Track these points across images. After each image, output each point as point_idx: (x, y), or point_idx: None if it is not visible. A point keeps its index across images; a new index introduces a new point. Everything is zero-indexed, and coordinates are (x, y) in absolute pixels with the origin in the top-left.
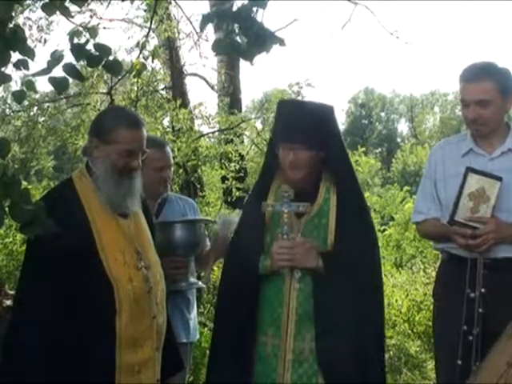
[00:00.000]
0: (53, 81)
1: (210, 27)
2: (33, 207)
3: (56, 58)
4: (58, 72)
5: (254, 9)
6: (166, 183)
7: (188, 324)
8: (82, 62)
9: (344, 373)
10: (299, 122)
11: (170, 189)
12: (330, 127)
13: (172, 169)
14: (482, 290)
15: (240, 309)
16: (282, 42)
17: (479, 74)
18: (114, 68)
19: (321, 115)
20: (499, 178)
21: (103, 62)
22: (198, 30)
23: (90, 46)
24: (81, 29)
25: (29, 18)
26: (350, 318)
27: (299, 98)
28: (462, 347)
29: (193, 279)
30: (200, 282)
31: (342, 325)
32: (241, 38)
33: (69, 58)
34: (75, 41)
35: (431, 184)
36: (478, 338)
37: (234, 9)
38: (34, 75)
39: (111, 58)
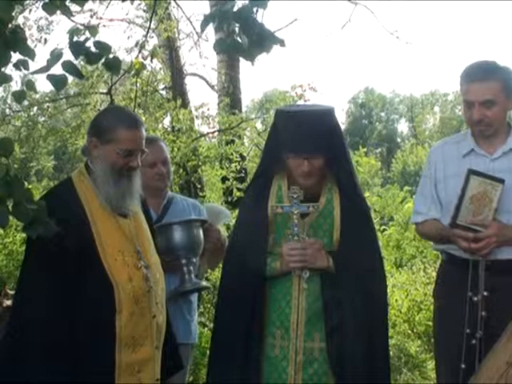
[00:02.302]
0: (51, 78)
1: (210, 27)
2: (36, 207)
3: (55, 56)
4: (58, 70)
5: (255, 9)
6: (164, 178)
7: (189, 325)
8: (82, 62)
9: (354, 372)
10: (308, 131)
11: (170, 189)
12: (333, 130)
13: (169, 163)
14: (485, 293)
15: (245, 311)
16: (282, 43)
17: (483, 73)
18: (114, 66)
19: (325, 120)
20: (501, 181)
21: (103, 60)
22: (199, 30)
23: (90, 44)
24: (81, 27)
25: (28, 19)
26: (359, 317)
27: (301, 100)
28: (465, 351)
29: (197, 280)
30: (204, 282)
31: (351, 324)
32: (242, 38)
33: (68, 56)
34: (75, 39)
35: (431, 184)
36: (481, 341)
37: (235, 9)
38: (32, 73)
39: (111, 56)
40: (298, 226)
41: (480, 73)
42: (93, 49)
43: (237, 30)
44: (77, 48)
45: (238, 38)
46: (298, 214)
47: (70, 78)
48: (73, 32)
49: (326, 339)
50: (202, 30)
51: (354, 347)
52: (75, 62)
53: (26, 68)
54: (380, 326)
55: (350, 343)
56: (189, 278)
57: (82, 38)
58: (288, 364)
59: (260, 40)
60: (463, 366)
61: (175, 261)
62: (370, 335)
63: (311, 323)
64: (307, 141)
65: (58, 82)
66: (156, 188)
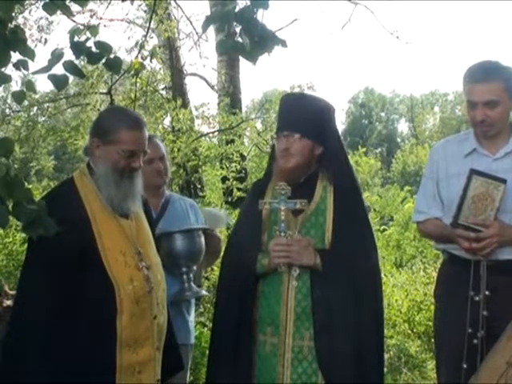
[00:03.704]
0: (52, 78)
1: (209, 27)
2: (36, 207)
3: (56, 56)
4: (59, 70)
5: (256, 10)
6: (161, 174)
7: (188, 325)
8: (82, 62)
9: (343, 371)
10: (297, 111)
11: (170, 188)
12: (328, 124)
13: (166, 160)
14: (486, 293)
15: (237, 308)
16: (283, 43)
17: (486, 74)
18: (115, 66)
19: (321, 110)
20: (504, 181)
21: (104, 60)
22: (199, 30)
23: (90, 44)
24: (81, 27)
25: (27, 19)
26: (348, 316)
27: None
28: (466, 350)
29: (197, 288)
30: (204, 291)
31: (340, 323)
32: (243, 39)
33: (69, 56)
34: (75, 39)
35: (433, 183)
36: (482, 341)
37: (237, 10)
38: (34, 73)
39: (111, 55)
40: (286, 222)
41: (483, 73)
42: (93, 49)
43: (238, 30)
44: (78, 48)
45: (240, 39)
46: (285, 210)
47: (71, 78)
48: (73, 32)
49: (314, 338)
50: (204, 31)
51: (342, 347)
52: (76, 62)
53: (26, 68)
54: (371, 327)
55: (338, 343)
56: (188, 287)
57: (82, 38)
58: (278, 362)
59: (262, 41)
60: (465, 365)
61: (176, 269)
62: (361, 335)
63: (300, 321)
64: (291, 119)
65: (59, 81)
66: (154, 185)
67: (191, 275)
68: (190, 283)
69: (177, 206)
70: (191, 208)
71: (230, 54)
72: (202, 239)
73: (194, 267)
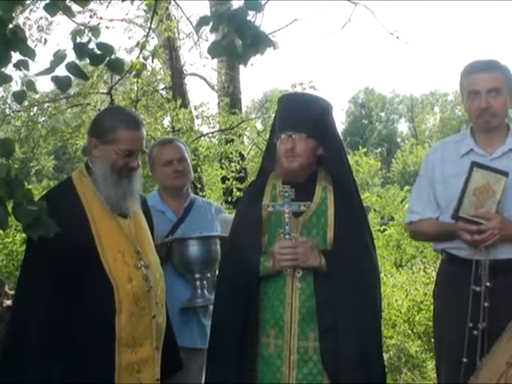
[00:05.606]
0: (56, 80)
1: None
2: (36, 208)
3: (59, 57)
4: (61, 71)
5: (251, 12)
6: (181, 175)
7: (205, 330)
8: (84, 62)
9: (348, 372)
10: (301, 110)
11: None
12: (329, 124)
13: (187, 162)
14: (488, 284)
15: (240, 310)
16: (275, 46)
17: (488, 64)
18: (117, 66)
19: (323, 110)
20: (505, 174)
21: (106, 61)
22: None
23: (92, 45)
24: (82, 28)
25: (29, 19)
26: (352, 317)
27: None
28: (467, 343)
29: (209, 295)
30: None
31: (344, 323)
32: (236, 40)
33: (71, 57)
34: (78, 40)
35: (428, 184)
36: (483, 333)
37: (230, 11)
38: (36, 75)
39: (113, 56)
40: (290, 224)
41: (485, 64)
42: (96, 50)
43: (232, 32)
44: (81, 50)
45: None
46: (289, 213)
47: (73, 79)
48: (75, 33)
49: (319, 338)
50: (197, 32)
51: (347, 347)
52: (77, 62)
53: (26, 68)
54: (373, 326)
55: (343, 343)
56: (201, 293)
57: (84, 40)
58: (282, 363)
59: (254, 43)
60: (465, 360)
61: (189, 275)
62: (364, 335)
63: (305, 322)
64: (294, 118)
65: (62, 83)
66: (174, 187)
67: (205, 282)
68: (203, 290)
69: (201, 210)
70: (217, 213)
71: (221, 56)
72: (218, 247)
73: (209, 274)
